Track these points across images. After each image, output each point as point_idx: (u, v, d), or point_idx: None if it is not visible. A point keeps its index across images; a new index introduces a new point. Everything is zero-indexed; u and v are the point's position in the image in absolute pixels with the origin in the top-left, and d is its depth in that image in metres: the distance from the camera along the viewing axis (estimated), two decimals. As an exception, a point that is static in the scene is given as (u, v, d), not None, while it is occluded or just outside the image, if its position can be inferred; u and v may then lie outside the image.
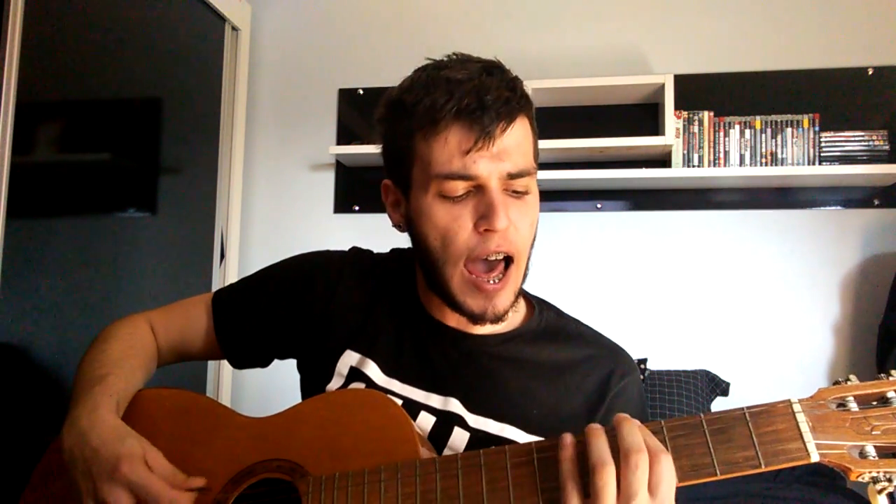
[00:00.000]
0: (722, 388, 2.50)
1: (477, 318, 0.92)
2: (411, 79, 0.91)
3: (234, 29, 2.89)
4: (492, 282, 0.90)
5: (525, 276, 0.94)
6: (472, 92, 0.84)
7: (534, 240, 0.94)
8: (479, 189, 0.87)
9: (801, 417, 0.66)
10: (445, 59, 0.92)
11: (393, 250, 1.12)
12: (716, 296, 2.69)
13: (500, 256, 0.89)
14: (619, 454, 0.68)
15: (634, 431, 0.69)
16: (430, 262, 0.92)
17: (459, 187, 0.87)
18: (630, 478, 0.66)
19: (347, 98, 3.00)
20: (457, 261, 0.89)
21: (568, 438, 0.73)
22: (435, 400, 0.94)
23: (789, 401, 0.67)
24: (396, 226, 1.00)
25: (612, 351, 1.01)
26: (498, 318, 0.92)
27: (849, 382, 0.66)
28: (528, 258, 0.94)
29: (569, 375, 0.97)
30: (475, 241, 0.88)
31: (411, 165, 0.91)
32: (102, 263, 2.16)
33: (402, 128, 0.90)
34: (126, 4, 2.28)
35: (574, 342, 1.01)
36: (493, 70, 0.87)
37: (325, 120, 3.02)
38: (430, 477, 0.77)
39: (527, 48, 2.90)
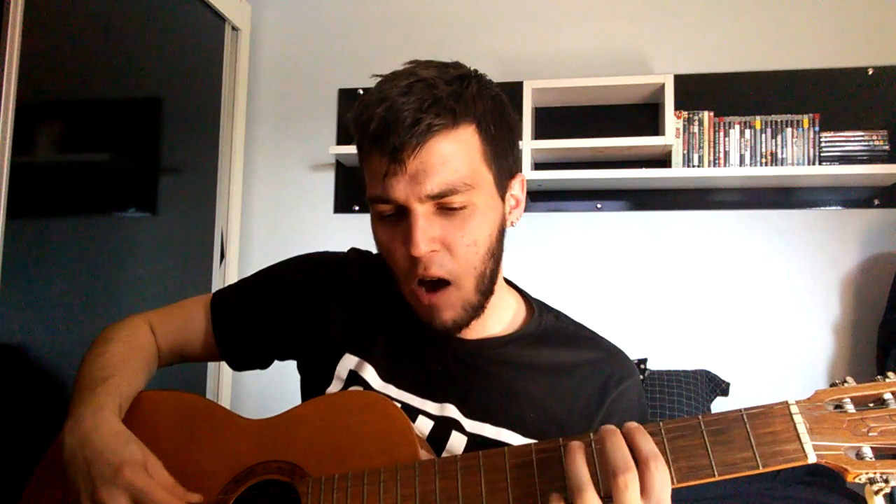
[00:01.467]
0: (722, 389, 2.50)
1: (431, 330, 0.92)
2: (365, 96, 0.90)
3: (234, 29, 2.89)
4: (426, 287, 0.89)
5: (481, 290, 0.91)
6: (380, 117, 0.83)
7: (491, 255, 0.90)
8: (403, 210, 0.86)
9: (798, 419, 0.66)
10: (398, 70, 0.89)
11: None
12: (716, 296, 2.69)
13: (433, 281, 0.88)
14: (639, 460, 0.68)
15: (649, 439, 0.70)
16: (387, 267, 0.94)
17: (386, 209, 0.87)
18: (651, 481, 0.67)
19: (347, 98, 3.00)
20: (404, 279, 0.90)
21: (577, 444, 0.72)
22: (430, 406, 0.94)
23: (787, 402, 0.68)
24: None
25: (611, 354, 1.01)
26: (448, 329, 0.91)
27: (846, 384, 0.67)
28: (488, 273, 0.91)
29: (567, 379, 0.96)
30: (409, 264, 0.88)
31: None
32: (102, 263, 2.16)
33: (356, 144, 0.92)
34: (126, 4, 2.28)
35: (573, 345, 1.00)
36: (414, 87, 0.84)
37: (325, 120, 3.02)
38: (430, 478, 0.77)
39: (527, 48, 2.90)
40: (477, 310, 0.92)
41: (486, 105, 0.88)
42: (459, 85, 0.86)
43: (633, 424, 0.72)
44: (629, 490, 0.66)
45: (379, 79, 0.89)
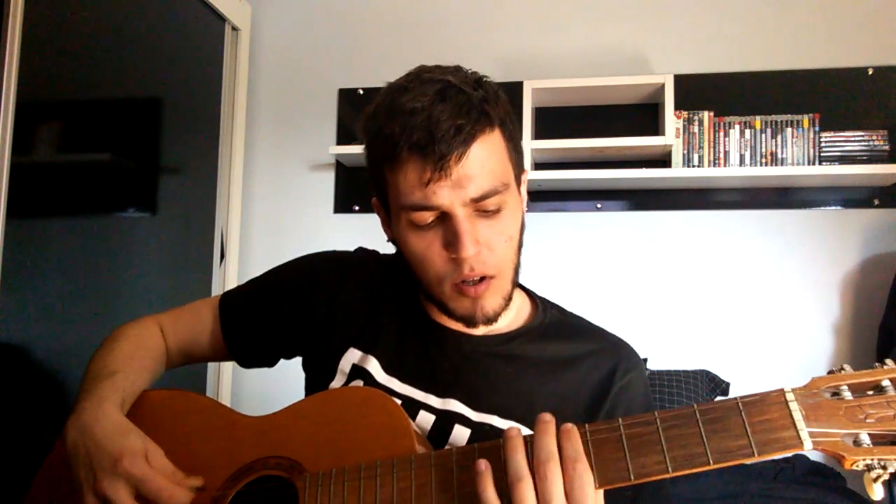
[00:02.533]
0: (722, 388, 2.50)
1: (468, 322, 0.94)
2: (377, 102, 0.91)
3: (234, 29, 2.90)
4: (473, 282, 0.90)
5: (515, 280, 0.95)
6: (422, 126, 0.83)
7: (519, 248, 0.94)
8: (444, 216, 0.87)
9: (794, 406, 0.66)
10: (410, 78, 0.90)
11: (399, 251, 1.13)
12: (716, 296, 2.69)
13: (477, 279, 0.90)
14: (533, 465, 0.70)
15: (548, 440, 0.71)
16: (419, 279, 0.95)
17: (426, 216, 0.87)
18: (544, 487, 0.69)
19: (347, 98, 3.00)
20: (439, 282, 0.91)
21: (483, 464, 0.73)
22: (434, 400, 0.95)
23: (782, 390, 0.67)
24: (390, 240, 1.01)
25: (617, 346, 1.02)
26: (489, 320, 0.93)
27: (843, 371, 0.66)
28: (517, 264, 0.95)
29: (573, 371, 0.97)
30: (450, 267, 0.89)
31: (386, 191, 0.92)
32: (102, 263, 2.16)
33: (373, 157, 0.92)
34: (126, 4, 2.28)
35: (578, 338, 1.02)
36: (446, 94, 0.85)
37: (325, 120, 3.03)
38: (426, 471, 0.77)
39: (527, 48, 2.90)
40: (510, 299, 0.95)
41: (504, 106, 0.91)
42: (483, 91, 0.89)
43: (545, 418, 0.73)
44: (525, 499, 0.69)
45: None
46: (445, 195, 0.85)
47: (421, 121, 0.83)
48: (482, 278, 0.90)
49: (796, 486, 2.11)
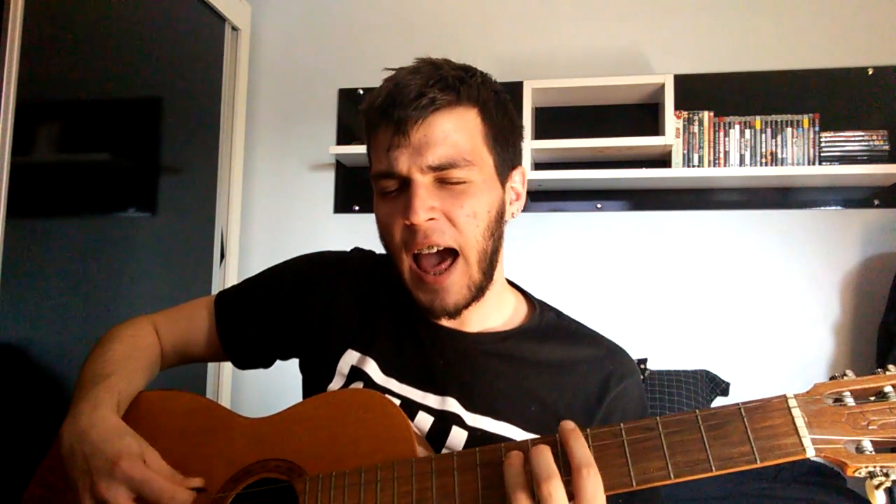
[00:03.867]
0: (722, 388, 2.50)
1: (428, 313, 0.94)
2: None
3: (234, 29, 2.89)
4: (434, 273, 0.91)
5: (484, 269, 0.93)
6: (387, 92, 0.88)
7: (491, 233, 0.93)
8: (406, 183, 0.89)
9: (796, 412, 0.65)
10: (403, 63, 0.94)
11: None
12: (716, 296, 2.69)
13: (434, 249, 0.90)
14: (571, 468, 0.69)
15: (582, 444, 0.70)
16: (389, 258, 0.97)
17: (390, 184, 0.91)
18: (582, 488, 0.68)
19: (347, 98, 3.00)
20: (399, 255, 0.92)
21: (514, 453, 0.73)
22: (432, 400, 0.94)
23: (785, 396, 0.67)
24: None
25: (613, 352, 1.01)
26: (449, 313, 0.93)
27: (845, 377, 0.66)
28: (489, 252, 0.93)
29: (568, 375, 0.97)
30: (406, 234, 0.90)
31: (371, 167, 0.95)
32: (102, 263, 2.16)
33: (364, 132, 0.96)
34: (126, 4, 2.28)
35: (574, 342, 1.01)
36: (422, 69, 0.90)
37: (325, 120, 3.03)
38: (426, 475, 0.77)
39: (527, 48, 2.90)
40: (479, 291, 0.94)
41: (489, 95, 0.93)
42: (464, 72, 0.91)
43: (569, 425, 0.72)
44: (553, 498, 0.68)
45: (383, 75, 0.93)
46: (404, 161, 0.87)
47: (389, 87, 0.88)
48: (445, 252, 0.90)
49: (796, 485, 2.12)
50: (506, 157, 0.95)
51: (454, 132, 0.88)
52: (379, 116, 0.89)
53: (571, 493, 0.68)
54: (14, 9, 1.79)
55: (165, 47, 2.49)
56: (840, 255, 2.63)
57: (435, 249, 0.90)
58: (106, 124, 2.21)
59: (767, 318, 2.64)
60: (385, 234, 0.94)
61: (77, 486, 0.85)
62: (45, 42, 1.92)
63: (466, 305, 0.93)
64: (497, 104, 0.94)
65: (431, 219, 0.88)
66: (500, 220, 0.95)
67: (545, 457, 0.70)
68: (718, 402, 2.50)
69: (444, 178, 0.88)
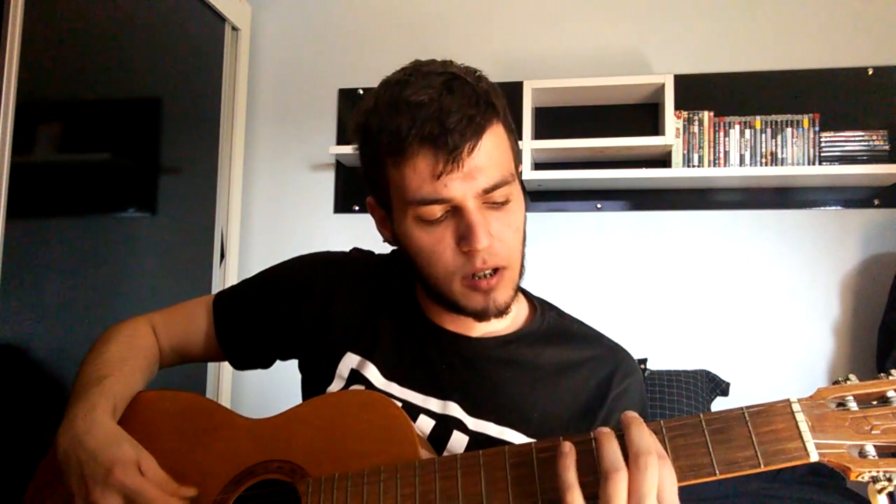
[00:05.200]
0: (722, 388, 2.50)
1: (480, 315, 0.92)
2: (375, 97, 0.89)
3: (234, 29, 2.89)
4: (486, 275, 0.89)
5: (522, 273, 0.95)
6: (433, 117, 0.82)
7: (524, 240, 0.94)
8: (455, 210, 0.86)
9: (800, 417, 0.65)
10: (408, 72, 0.89)
11: (394, 251, 1.11)
12: (716, 296, 2.69)
13: (489, 272, 0.89)
14: (629, 457, 0.67)
15: (644, 433, 0.68)
16: (424, 278, 0.93)
17: (436, 211, 0.86)
18: (640, 480, 0.66)
19: (347, 98, 3.00)
20: (448, 279, 0.90)
21: (567, 446, 0.72)
22: (433, 404, 0.94)
23: (788, 400, 0.67)
24: (387, 241, 1.00)
25: (614, 351, 1.01)
26: (500, 312, 0.92)
27: (848, 382, 0.66)
28: (522, 257, 0.94)
29: (570, 377, 0.96)
30: (461, 260, 0.88)
31: (387, 189, 0.90)
32: (102, 263, 2.16)
33: (372, 153, 0.90)
34: (126, 4, 2.27)
35: (576, 343, 1.01)
36: (453, 85, 0.85)
37: (325, 120, 3.02)
38: (430, 478, 0.77)
39: (527, 48, 2.90)
40: (517, 291, 0.95)
41: (502, 101, 0.91)
42: (486, 83, 0.89)
43: (632, 414, 0.71)
44: (649, 472, 0.66)
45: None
46: (457, 187, 0.84)
47: (431, 112, 0.82)
48: (494, 270, 0.89)
49: (796, 486, 2.12)
50: (518, 157, 0.96)
51: (497, 151, 0.87)
52: (421, 143, 0.83)
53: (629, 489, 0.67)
54: (14, 9, 1.79)
55: (165, 47, 2.49)
56: (840, 255, 2.63)
57: (482, 274, 0.89)
58: (106, 124, 2.21)
59: (767, 318, 2.64)
60: (428, 262, 0.90)
61: (72, 490, 0.85)
62: (45, 42, 1.92)
63: (512, 303, 0.93)
64: (506, 107, 0.92)
65: (490, 244, 0.87)
66: (526, 221, 0.96)
67: (613, 448, 0.69)
68: (718, 401, 2.50)
69: (490, 199, 0.87)
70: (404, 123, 0.83)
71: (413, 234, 0.89)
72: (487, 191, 0.85)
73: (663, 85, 2.59)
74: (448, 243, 0.88)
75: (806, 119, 2.59)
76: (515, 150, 0.94)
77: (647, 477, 0.65)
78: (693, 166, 2.62)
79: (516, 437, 0.91)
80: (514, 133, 0.95)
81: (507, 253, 0.89)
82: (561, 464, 0.70)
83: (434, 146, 0.82)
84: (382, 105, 0.87)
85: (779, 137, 2.60)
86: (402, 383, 0.96)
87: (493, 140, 0.86)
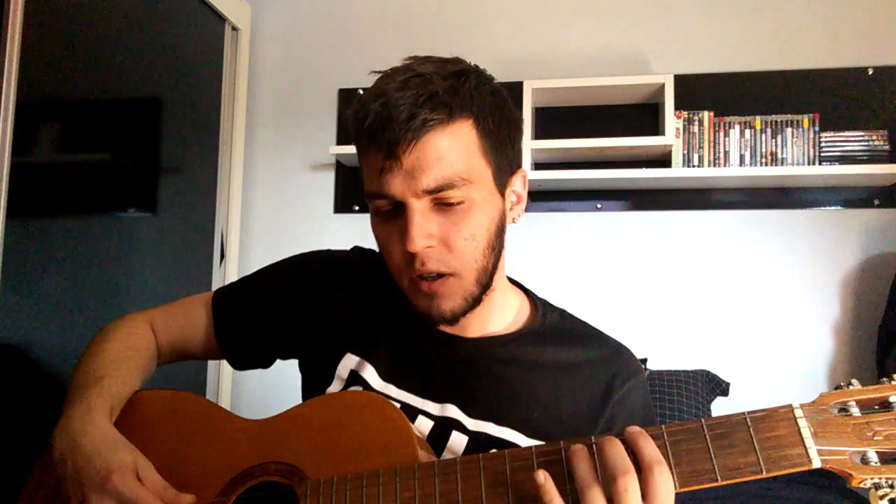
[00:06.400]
0: (722, 389, 2.50)
1: (427, 319, 0.91)
2: (363, 93, 0.90)
3: (234, 29, 2.89)
4: (430, 278, 0.88)
5: (483, 283, 0.91)
6: (376, 112, 0.82)
7: (490, 249, 0.89)
8: (400, 205, 0.85)
9: (802, 423, 0.65)
10: (399, 64, 0.89)
11: None
12: (716, 296, 2.69)
13: (433, 276, 0.87)
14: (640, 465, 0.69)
15: (650, 443, 0.70)
16: (389, 272, 0.94)
17: (383, 204, 0.87)
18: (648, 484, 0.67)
19: (347, 98, 2.99)
20: (398, 273, 0.90)
21: (579, 446, 0.72)
22: (431, 406, 0.94)
23: (791, 406, 0.67)
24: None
25: (617, 352, 1.00)
26: (446, 321, 0.90)
27: (851, 386, 0.66)
28: (487, 266, 0.90)
29: (571, 377, 0.95)
30: (405, 260, 0.88)
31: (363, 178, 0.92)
32: (102, 263, 2.16)
33: (354, 141, 0.92)
34: (126, 4, 2.27)
35: (578, 343, 0.99)
36: (410, 82, 0.83)
37: (325, 120, 3.02)
38: (429, 481, 0.77)
39: (527, 48, 2.89)
40: (476, 302, 0.91)
41: (485, 100, 0.88)
42: (456, 80, 0.86)
43: (636, 429, 0.71)
44: (629, 493, 0.66)
45: (377, 75, 0.89)
46: (397, 184, 0.83)
47: (377, 106, 0.83)
48: (439, 275, 0.87)
49: (796, 485, 2.11)
50: (504, 163, 0.91)
51: (449, 151, 0.83)
52: (368, 139, 0.84)
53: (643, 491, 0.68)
54: (14, 9, 1.79)
55: (165, 47, 2.49)
56: (840, 255, 2.63)
57: (427, 276, 0.87)
58: (106, 124, 2.21)
59: (767, 317, 2.64)
60: (386, 256, 0.91)
61: (68, 494, 0.84)
62: (45, 42, 1.92)
63: (463, 313, 0.91)
64: (493, 107, 0.88)
65: (429, 246, 0.85)
66: (500, 233, 0.92)
67: (620, 452, 0.69)
68: (718, 402, 2.50)
69: (440, 199, 0.84)
70: (360, 115, 0.85)
71: (373, 227, 0.92)
72: (430, 191, 0.83)
73: (663, 85, 2.59)
74: (395, 240, 0.88)
75: (806, 119, 2.59)
76: (493, 154, 0.89)
77: (660, 484, 0.67)
78: (693, 166, 2.62)
79: (516, 437, 0.90)
80: (500, 137, 0.90)
81: (454, 260, 0.87)
82: (576, 462, 0.71)
83: (377, 140, 0.83)
84: (363, 97, 0.87)
85: (779, 137, 2.60)
86: (399, 385, 0.96)
87: (445, 140, 0.83)
